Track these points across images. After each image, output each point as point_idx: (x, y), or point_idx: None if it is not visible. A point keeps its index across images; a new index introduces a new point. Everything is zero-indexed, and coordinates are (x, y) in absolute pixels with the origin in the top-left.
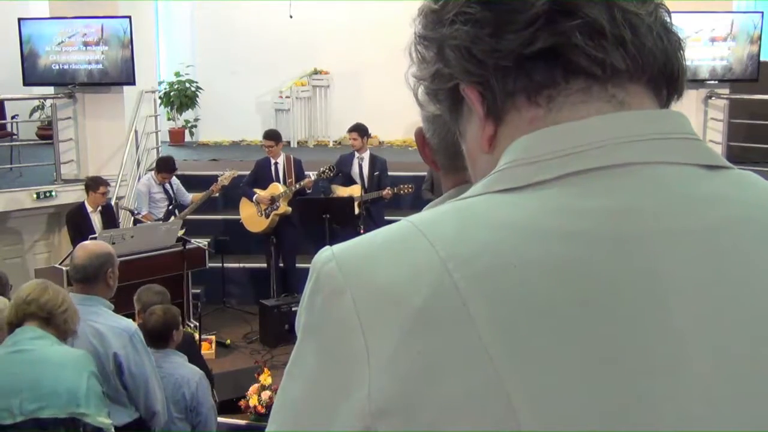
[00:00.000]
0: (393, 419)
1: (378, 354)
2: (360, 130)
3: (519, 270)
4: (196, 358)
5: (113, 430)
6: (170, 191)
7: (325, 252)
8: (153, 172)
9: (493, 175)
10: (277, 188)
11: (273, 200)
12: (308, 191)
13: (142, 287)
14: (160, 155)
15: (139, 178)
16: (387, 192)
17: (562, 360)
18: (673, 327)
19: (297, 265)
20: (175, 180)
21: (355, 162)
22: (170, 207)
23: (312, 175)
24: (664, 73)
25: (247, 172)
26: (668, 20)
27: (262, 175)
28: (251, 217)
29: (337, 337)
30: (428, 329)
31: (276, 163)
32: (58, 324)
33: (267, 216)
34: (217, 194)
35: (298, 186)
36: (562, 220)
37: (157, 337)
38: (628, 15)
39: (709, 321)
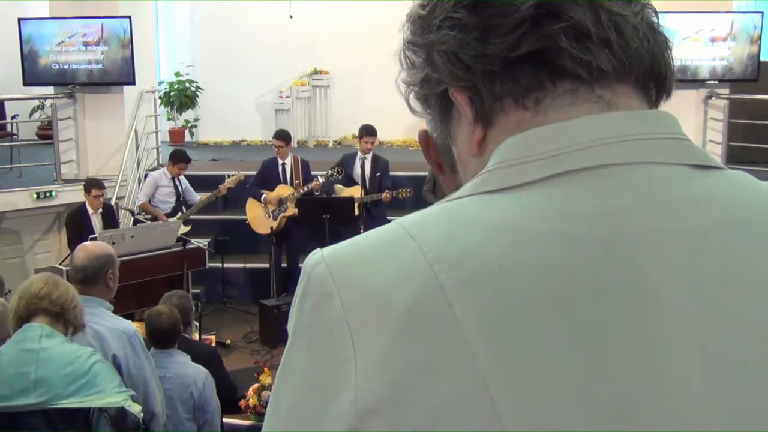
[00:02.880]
0: (379, 421)
1: (365, 356)
2: (375, 133)
3: (506, 272)
4: (219, 372)
5: (130, 402)
6: (179, 188)
7: (316, 255)
8: (166, 167)
9: (481, 176)
10: (284, 190)
11: (281, 202)
12: (316, 193)
13: (165, 296)
14: (171, 150)
15: (139, 178)
16: (386, 195)
17: (547, 363)
18: (660, 329)
19: (300, 265)
20: (184, 179)
21: (357, 162)
22: (178, 203)
23: (320, 177)
24: (651, 74)
25: (247, 172)
26: (655, 20)
27: (269, 176)
28: (258, 218)
29: (325, 340)
30: (414, 332)
31: (283, 164)
32: (69, 319)
33: (275, 218)
34: (224, 193)
35: (306, 188)
36: (550, 222)
37: (165, 337)
38: (613, 16)
39: (696, 322)
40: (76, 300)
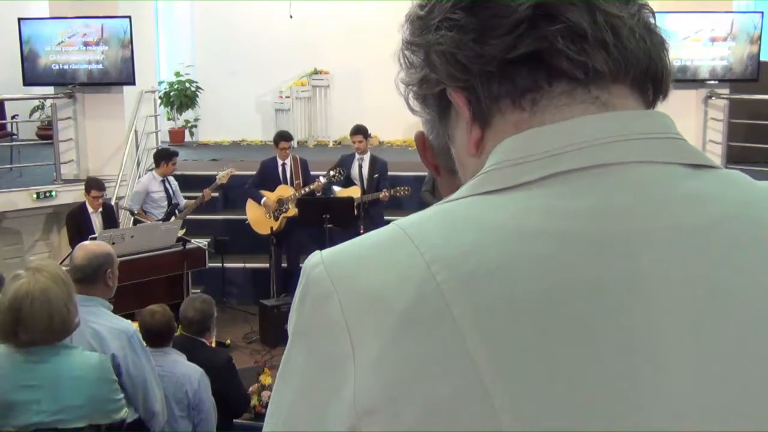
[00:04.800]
0: (377, 420)
1: (363, 356)
2: (365, 132)
3: (502, 271)
4: (234, 383)
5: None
6: (170, 190)
7: (315, 256)
8: (155, 170)
9: (478, 177)
10: (285, 190)
11: (282, 202)
12: (318, 194)
13: (187, 299)
14: (155, 153)
15: (139, 178)
16: (384, 194)
17: (543, 360)
18: (654, 327)
19: (300, 265)
20: (173, 180)
21: (356, 163)
22: (170, 207)
23: (322, 178)
24: (647, 74)
25: (247, 172)
26: (652, 21)
27: (268, 177)
28: (259, 218)
29: (324, 340)
30: (412, 332)
31: (283, 164)
32: (61, 335)
33: (276, 218)
34: (214, 194)
35: (307, 189)
36: (547, 221)
37: (160, 336)
38: (610, 18)
39: (690, 320)
40: (57, 315)
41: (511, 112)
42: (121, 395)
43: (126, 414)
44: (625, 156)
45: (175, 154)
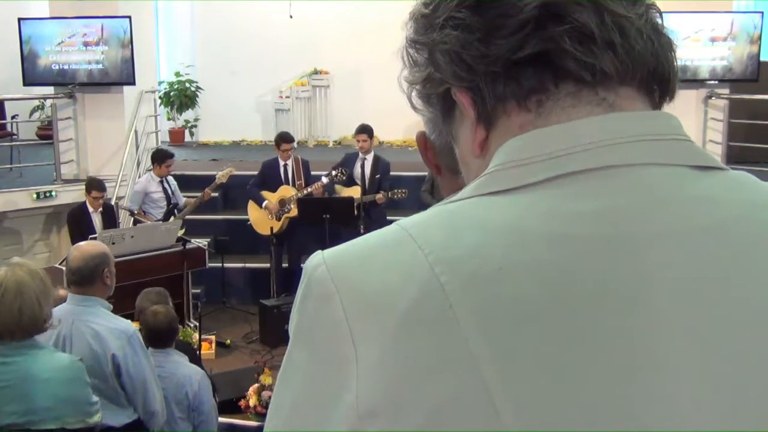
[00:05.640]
0: (380, 422)
1: (366, 358)
2: (369, 131)
3: (506, 273)
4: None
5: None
6: (168, 190)
7: (316, 257)
8: (152, 171)
9: (482, 178)
10: (287, 191)
11: (284, 203)
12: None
13: (142, 292)
14: (152, 153)
15: (138, 178)
16: (380, 197)
17: (546, 363)
18: (659, 329)
19: (301, 265)
20: (172, 180)
21: (358, 163)
22: (170, 207)
23: (324, 178)
24: (654, 76)
25: (247, 172)
26: (659, 21)
27: (270, 177)
28: (261, 219)
29: (326, 341)
30: (415, 333)
31: (285, 165)
32: (30, 332)
33: (278, 219)
34: (214, 194)
35: (309, 190)
36: (551, 223)
37: (161, 336)
38: (617, 18)
39: (695, 322)
40: (26, 310)
41: (517, 113)
42: (96, 399)
43: (99, 419)
44: (631, 158)
45: (170, 156)
